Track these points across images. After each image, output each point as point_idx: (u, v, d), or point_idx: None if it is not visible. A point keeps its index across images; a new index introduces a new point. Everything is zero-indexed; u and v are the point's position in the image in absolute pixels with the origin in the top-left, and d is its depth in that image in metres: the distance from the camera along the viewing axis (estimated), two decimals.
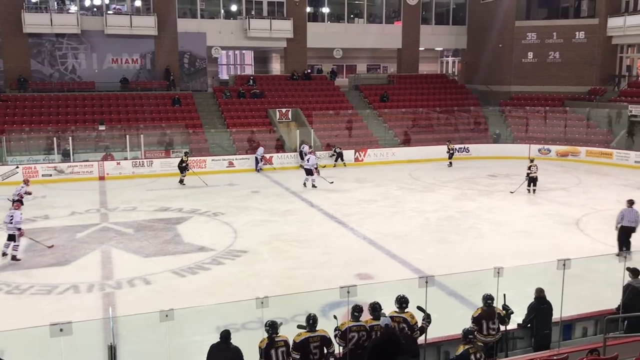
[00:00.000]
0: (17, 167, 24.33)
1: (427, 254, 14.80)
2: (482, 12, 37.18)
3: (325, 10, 36.99)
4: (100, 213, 19.24)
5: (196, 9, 33.82)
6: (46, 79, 31.33)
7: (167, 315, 6.78)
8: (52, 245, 15.34)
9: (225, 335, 7.23)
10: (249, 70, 44.47)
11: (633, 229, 14.08)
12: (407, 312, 7.94)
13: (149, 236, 16.43)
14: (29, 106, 29.07)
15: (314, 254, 14.86)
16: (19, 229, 14.34)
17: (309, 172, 23.16)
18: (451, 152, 28.21)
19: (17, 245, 14.37)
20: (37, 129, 27.40)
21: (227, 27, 34.03)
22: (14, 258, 14.27)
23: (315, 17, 36.94)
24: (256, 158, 27.08)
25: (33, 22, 30.20)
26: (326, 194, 21.93)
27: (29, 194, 18.83)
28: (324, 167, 26.65)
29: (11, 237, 14.34)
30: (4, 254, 14.39)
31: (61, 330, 6.29)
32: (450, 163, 28.11)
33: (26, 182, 19.02)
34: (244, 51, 44.80)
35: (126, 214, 18.96)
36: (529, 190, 21.65)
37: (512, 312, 8.46)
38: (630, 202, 14.32)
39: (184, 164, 24.11)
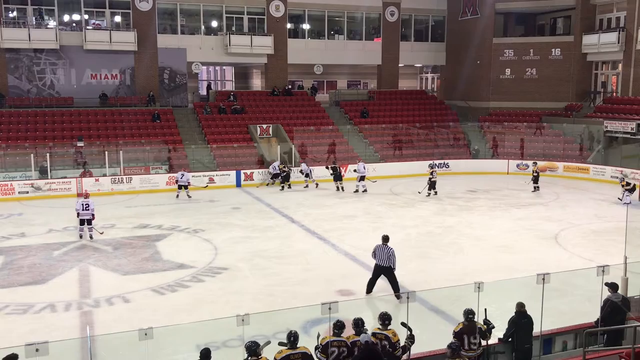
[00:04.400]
0: None
1: (408, 269, 14.79)
2: (460, 29, 37.71)
3: (306, 26, 37.23)
4: (77, 230, 18.91)
5: (176, 25, 33.78)
6: (24, 94, 30.96)
7: (146, 334, 6.72)
8: (103, 232, 17.90)
9: (206, 353, 7.16)
10: (230, 86, 44.51)
11: (386, 269, 12.22)
12: (389, 329, 7.93)
13: (128, 254, 16.23)
14: (6, 122, 28.68)
15: (295, 270, 14.80)
16: (93, 215, 17.56)
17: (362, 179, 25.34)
18: (536, 174, 25.55)
19: (92, 228, 17.66)
20: (13, 145, 27.06)
21: (208, 43, 34.05)
22: (91, 237, 17.58)
23: (296, 33, 37.15)
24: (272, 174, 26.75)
25: (11, 37, 29.92)
26: (307, 210, 21.91)
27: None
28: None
29: (83, 222, 17.53)
30: (81, 237, 17.57)
31: (37, 350, 6.19)
32: (536, 187, 25.20)
33: (185, 169, 22.72)
34: (224, 67, 44.84)
35: (105, 231, 18.71)
36: (429, 194, 24.03)
37: (493, 327, 8.50)
38: (385, 239, 12.46)
39: (284, 173, 25.46)
